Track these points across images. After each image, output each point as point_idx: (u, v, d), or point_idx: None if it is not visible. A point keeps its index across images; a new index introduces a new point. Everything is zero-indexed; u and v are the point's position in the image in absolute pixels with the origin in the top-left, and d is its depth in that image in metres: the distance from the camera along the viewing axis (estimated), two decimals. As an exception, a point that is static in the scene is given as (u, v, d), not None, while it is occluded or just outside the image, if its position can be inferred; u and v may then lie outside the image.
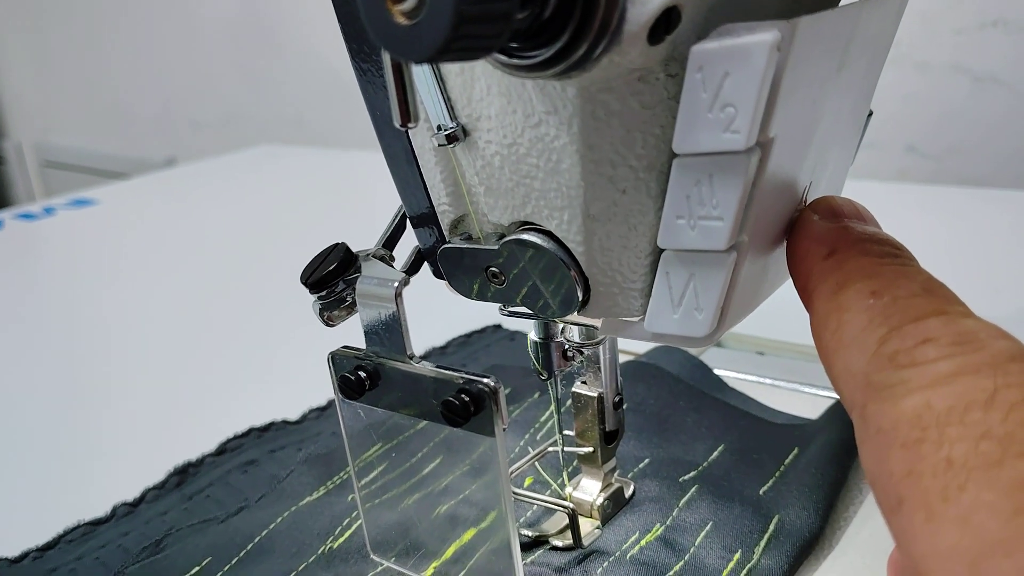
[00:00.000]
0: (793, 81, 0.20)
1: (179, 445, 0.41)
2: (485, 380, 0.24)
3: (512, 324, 0.51)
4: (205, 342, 0.57)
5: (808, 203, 0.24)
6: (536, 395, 0.42)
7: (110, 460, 0.42)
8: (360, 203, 0.81)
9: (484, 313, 0.52)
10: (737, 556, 0.30)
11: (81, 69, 1.79)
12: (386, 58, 0.21)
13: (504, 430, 0.24)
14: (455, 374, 0.24)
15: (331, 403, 0.44)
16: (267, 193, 1.00)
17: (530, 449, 0.35)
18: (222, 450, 0.40)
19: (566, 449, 0.33)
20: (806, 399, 0.40)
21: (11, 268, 0.82)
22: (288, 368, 0.51)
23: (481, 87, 0.23)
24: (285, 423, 0.42)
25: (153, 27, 1.58)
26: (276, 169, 1.12)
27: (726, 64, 0.19)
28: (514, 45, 0.19)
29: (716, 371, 0.41)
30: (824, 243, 0.23)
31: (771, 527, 0.31)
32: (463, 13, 0.16)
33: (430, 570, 0.29)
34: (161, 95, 1.63)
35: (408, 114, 0.21)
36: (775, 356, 0.45)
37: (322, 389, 0.45)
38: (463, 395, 0.24)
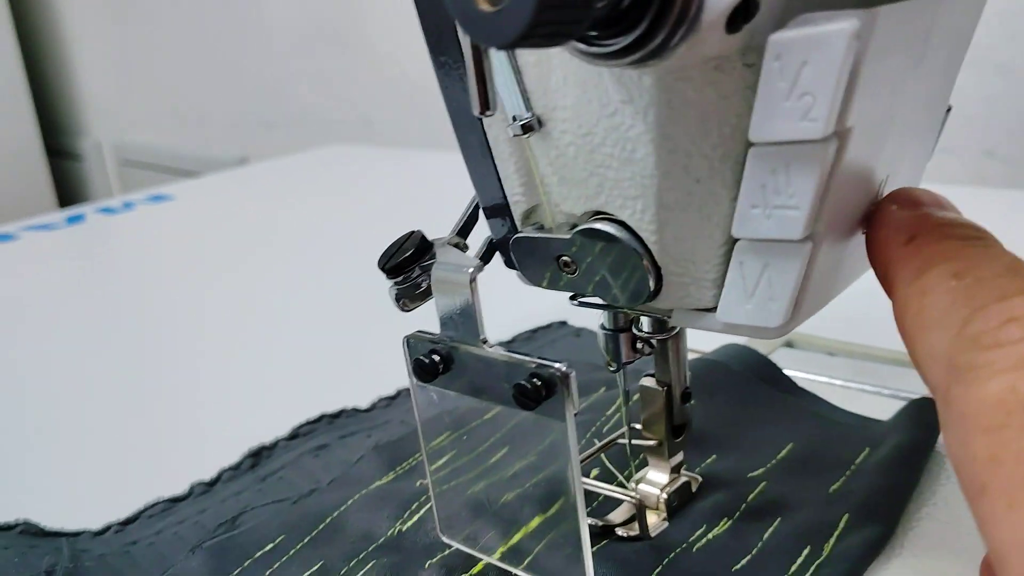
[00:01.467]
0: (872, 71, 0.20)
1: (253, 430, 0.42)
2: (557, 365, 0.24)
3: (578, 320, 0.51)
4: (277, 333, 0.58)
5: (885, 195, 0.24)
6: (602, 390, 0.42)
7: (188, 443, 0.44)
8: (426, 202, 0.82)
9: (550, 309, 0.52)
10: (806, 551, 0.29)
11: (158, 70, 1.85)
12: (466, 46, 0.21)
13: (575, 415, 0.24)
14: (527, 359, 0.24)
15: (400, 393, 0.45)
16: (336, 191, 1.02)
17: (596, 442, 0.35)
18: (295, 435, 0.41)
19: (633, 442, 0.33)
20: (877, 401, 0.39)
21: (93, 258, 0.85)
22: (357, 359, 0.52)
23: (557, 78, 0.24)
24: (355, 411, 0.43)
25: (227, 30, 1.63)
26: (345, 168, 1.14)
27: (805, 52, 0.19)
28: (593, 33, 0.19)
29: (785, 371, 0.41)
30: (904, 230, 0.23)
31: (841, 524, 0.30)
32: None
33: (497, 553, 0.29)
34: (234, 96, 1.68)
35: (487, 102, 0.22)
36: (846, 358, 0.44)
37: (391, 379, 0.46)
38: (535, 379, 0.24)
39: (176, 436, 0.45)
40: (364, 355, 0.52)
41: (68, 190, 2.19)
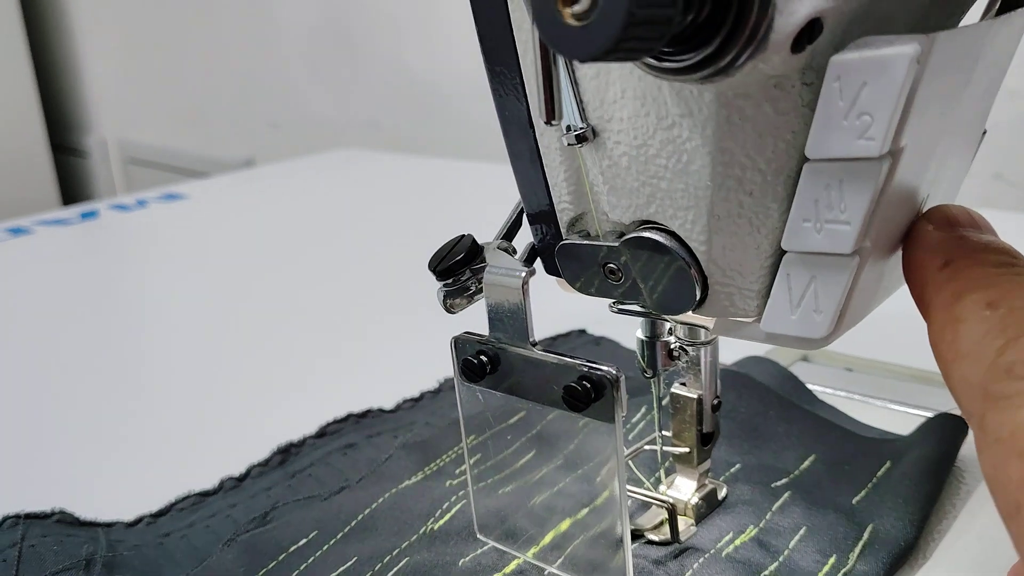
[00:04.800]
0: (926, 94, 0.20)
1: (280, 429, 0.42)
2: (607, 368, 0.25)
3: (598, 330, 0.52)
4: (299, 334, 0.59)
5: (923, 213, 0.25)
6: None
7: (215, 440, 0.44)
8: (434, 207, 0.82)
9: (570, 318, 0.53)
10: (832, 560, 0.30)
11: (165, 69, 1.85)
12: (533, 58, 0.22)
13: (623, 417, 0.25)
14: (577, 361, 0.25)
15: (423, 395, 0.46)
16: (346, 195, 1.03)
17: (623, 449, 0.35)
18: (322, 433, 0.42)
19: (663, 448, 0.33)
20: (896, 416, 0.40)
21: (109, 253, 0.86)
22: (378, 362, 0.52)
23: (615, 91, 0.24)
24: (381, 411, 0.44)
25: (235, 29, 1.63)
26: (354, 172, 1.15)
27: (865, 74, 0.20)
28: (667, 49, 0.20)
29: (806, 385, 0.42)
30: (940, 253, 0.24)
31: (866, 535, 0.31)
32: (633, 16, 0.17)
33: (532, 552, 0.30)
34: (241, 96, 1.68)
35: (553, 111, 0.22)
36: (864, 373, 0.45)
37: (413, 382, 0.47)
38: (585, 382, 0.25)
39: (204, 433, 0.45)
40: (384, 358, 0.53)
41: (72, 187, 2.19)
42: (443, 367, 0.46)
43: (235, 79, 1.69)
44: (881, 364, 0.45)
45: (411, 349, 0.52)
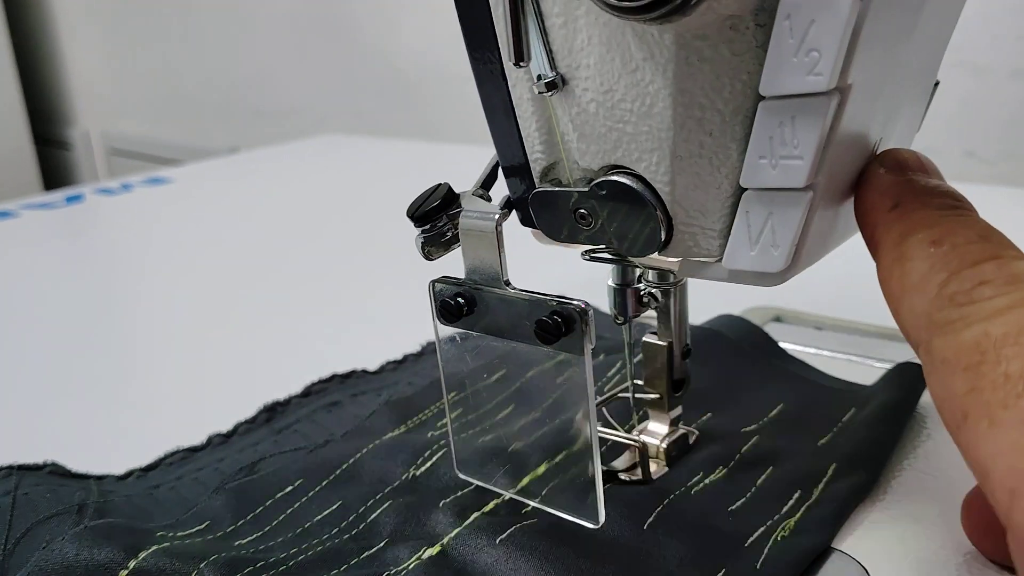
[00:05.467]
0: (871, 31, 0.22)
1: (266, 392, 0.43)
2: (576, 302, 0.26)
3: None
4: (283, 303, 0.60)
5: (875, 157, 0.27)
6: (601, 356, 0.44)
7: (204, 404, 0.45)
8: (415, 190, 0.84)
9: (545, 285, 0.54)
10: (797, 495, 0.32)
11: (148, 59, 1.85)
12: (503, 2, 0.23)
13: (592, 349, 0.26)
14: (548, 296, 0.26)
15: (407, 358, 0.47)
16: (330, 176, 1.04)
17: (592, 382, 0.37)
18: (307, 392, 0.43)
19: (636, 395, 0.35)
20: (862, 369, 0.42)
21: (98, 234, 0.87)
22: (364, 328, 0.53)
23: (582, 38, 0.26)
24: (365, 372, 0.45)
25: (218, 18, 1.64)
26: (338, 156, 1.15)
27: (813, 12, 0.21)
28: (626, -11, 0.21)
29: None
30: (889, 196, 0.25)
31: (829, 472, 0.33)
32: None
33: (513, 489, 0.31)
34: (225, 85, 1.69)
35: (521, 53, 0.24)
36: (832, 332, 0.46)
37: (396, 347, 0.48)
38: (555, 316, 0.26)
39: (189, 399, 0.46)
40: (368, 324, 0.54)
41: (56, 179, 2.19)
42: (424, 332, 0.48)
43: (218, 68, 1.69)
44: (848, 323, 0.46)
45: (393, 317, 0.53)
